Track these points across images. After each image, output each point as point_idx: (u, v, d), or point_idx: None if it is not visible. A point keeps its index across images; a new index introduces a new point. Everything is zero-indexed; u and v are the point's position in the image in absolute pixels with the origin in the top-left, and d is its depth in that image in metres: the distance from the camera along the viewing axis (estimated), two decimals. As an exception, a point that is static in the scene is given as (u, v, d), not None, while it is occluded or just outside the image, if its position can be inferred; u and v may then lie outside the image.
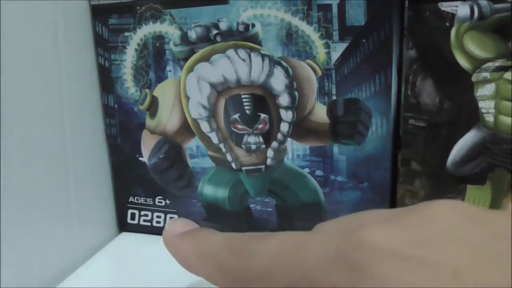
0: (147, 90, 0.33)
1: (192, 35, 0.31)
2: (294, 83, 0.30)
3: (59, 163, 0.30)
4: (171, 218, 0.36)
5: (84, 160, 0.33)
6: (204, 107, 0.32)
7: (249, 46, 0.30)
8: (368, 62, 0.28)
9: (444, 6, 0.26)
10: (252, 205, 0.34)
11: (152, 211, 0.36)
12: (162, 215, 0.36)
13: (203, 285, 0.19)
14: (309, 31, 0.29)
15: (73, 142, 0.31)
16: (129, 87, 0.34)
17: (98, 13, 0.33)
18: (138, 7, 0.32)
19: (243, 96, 0.31)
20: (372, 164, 0.30)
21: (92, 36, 0.34)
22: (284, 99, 0.30)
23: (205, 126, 0.32)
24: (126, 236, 0.37)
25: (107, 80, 0.34)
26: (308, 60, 0.29)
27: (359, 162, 0.30)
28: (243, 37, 0.30)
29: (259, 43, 0.30)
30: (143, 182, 0.36)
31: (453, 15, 0.26)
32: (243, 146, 0.32)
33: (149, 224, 0.37)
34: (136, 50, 0.33)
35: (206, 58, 0.31)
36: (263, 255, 0.15)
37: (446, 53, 0.26)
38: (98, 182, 0.35)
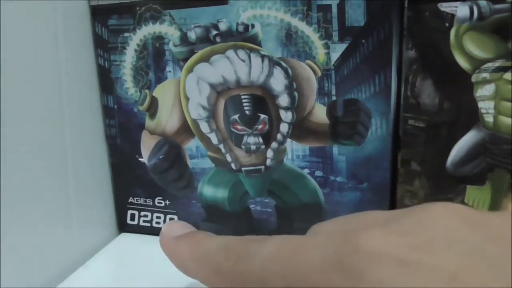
0: (146, 91, 0.33)
1: (192, 35, 0.31)
2: (293, 84, 0.30)
3: (59, 163, 0.30)
4: (170, 218, 0.36)
5: (83, 160, 0.33)
6: (203, 107, 0.32)
7: (248, 47, 0.30)
8: (368, 63, 0.28)
9: (444, 7, 0.26)
10: (251, 206, 0.34)
11: (152, 212, 0.36)
12: (162, 215, 0.36)
13: (203, 285, 0.19)
14: (309, 31, 0.29)
15: (73, 142, 0.31)
16: (129, 87, 0.34)
17: (98, 14, 0.33)
18: (137, 8, 0.32)
19: (242, 97, 0.31)
20: (372, 164, 0.30)
21: (92, 37, 0.34)
22: (283, 100, 0.30)
23: (204, 127, 0.32)
24: (126, 237, 0.37)
25: (107, 80, 0.34)
26: (307, 61, 0.29)
27: (359, 162, 0.30)
28: (243, 38, 0.30)
29: (259, 44, 0.30)
30: (142, 182, 0.36)
31: (452, 16, 0.26)
32: (242, 146, 0.32)
33: (148, 224, 0.37)
34: (135, 50, 0.33)
35: (206, 59, 0.31)
36: (260, 258, 0.15)
37: (446, 53, 0.26)
38: (97, 183, 0.35)
